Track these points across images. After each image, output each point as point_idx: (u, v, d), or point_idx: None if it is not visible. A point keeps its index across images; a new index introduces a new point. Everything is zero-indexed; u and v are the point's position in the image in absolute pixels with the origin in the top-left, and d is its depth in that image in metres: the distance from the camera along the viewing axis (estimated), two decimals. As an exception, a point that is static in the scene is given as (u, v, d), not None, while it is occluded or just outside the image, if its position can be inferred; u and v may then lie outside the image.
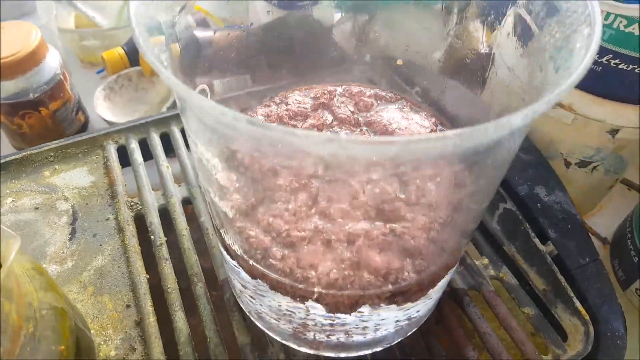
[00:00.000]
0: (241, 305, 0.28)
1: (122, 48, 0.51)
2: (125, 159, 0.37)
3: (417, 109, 0.27)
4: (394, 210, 0.21)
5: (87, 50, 0.56)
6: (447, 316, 0.29)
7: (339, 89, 0.28)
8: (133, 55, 0.52)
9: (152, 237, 0.32)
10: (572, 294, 0.29)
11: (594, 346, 0.28)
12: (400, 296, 0.21)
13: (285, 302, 0.23)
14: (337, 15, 0.33)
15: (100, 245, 0.32)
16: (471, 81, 0.26)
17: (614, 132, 0.33)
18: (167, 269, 0.31)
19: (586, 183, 0.38)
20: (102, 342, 0.28)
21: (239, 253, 0.21)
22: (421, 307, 0.25)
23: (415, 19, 0.33)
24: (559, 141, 0.36)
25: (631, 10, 0.26)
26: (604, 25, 0.28)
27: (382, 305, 0.21)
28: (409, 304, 0.23)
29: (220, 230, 0.22)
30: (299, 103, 0.26)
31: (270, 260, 0.21)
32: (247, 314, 0.28)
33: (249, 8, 0.31)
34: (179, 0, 0.24)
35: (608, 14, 0.28)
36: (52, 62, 0.43)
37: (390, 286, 0.20)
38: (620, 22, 0.27)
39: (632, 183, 0.46)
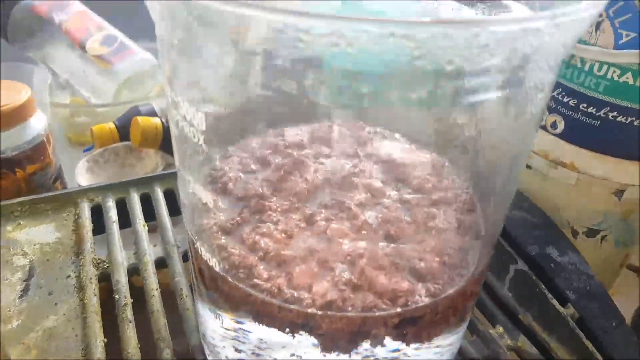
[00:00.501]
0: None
1: (114, 123, 0.52)
2: (99, 222, 0.34)
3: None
4: (398, 229, 0.19)
5: (77, 127, 0.57)
6: (460, 391, 0.25)
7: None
8: (124, 131, 0.52)
9: (116, 296, 0.29)
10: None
11: None
12: (411, 326, 0.18)
13: (303, 349, 0.19)
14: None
15: (55, 304, 0.28)
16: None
17: (619, 193, 0.32)
18: (130, 332, 0.27)
19: (597, 257, 0.36)
20: (38, 416, 0.23)
21: (217, 269, 0.18)
22: None
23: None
24: (564, 207, 0.35)
25: (623, 57, 0.27)
26: (597, 77, 0.29)
27: (387, 338, 0.18)
28: (417, 349, 0.19)
29: (197, 244, 0.19)
30: (295, 134, 0.25)
31: (254, 279, 0.18)
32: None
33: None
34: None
35: (601, 65, 0.29)
36: (37, 124, 0.42)
37: (399, 310, 0.17)
38: (614, 72, 0.28)
39: (635, 267, 0.44)
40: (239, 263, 0.18)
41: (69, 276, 0.30)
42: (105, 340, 0.26)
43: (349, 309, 0.17)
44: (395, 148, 0.26)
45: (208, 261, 0.18)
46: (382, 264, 0.18)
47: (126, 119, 0.52)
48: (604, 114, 0.30)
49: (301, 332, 0.18)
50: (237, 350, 0.21)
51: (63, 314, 0.28)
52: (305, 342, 0.18)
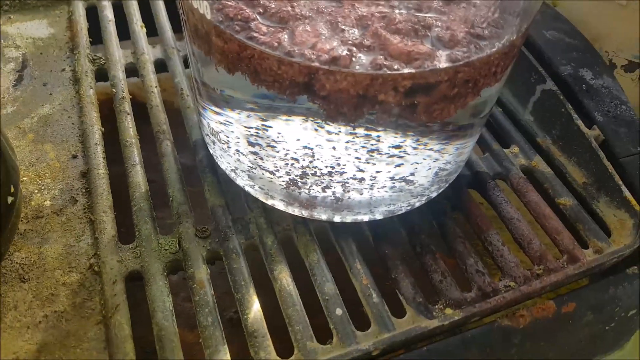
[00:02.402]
0: (219, 164, 0.24)
1: None
2: (95, 25, 0.32)
3: None
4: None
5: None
6: (464, 201, 0.25)
7: None
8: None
9: (113, 90, 0.27)
10: (620, 183, 0.24)
11: (645, 244, 0.23)
12: (424, 95, 0.16)
13: (292, 137, 0.18)
14: None
15: (50, 94, 0.27)
16: None
17: (675, 15, 0.29)
18: (128, 123, 0.26)
19: (633, 96, 0.34)
20: (36, 191, 0.23)
21: (209, 18, 0.16)
22: (417, 171, 0.20)
23: None
24: (605, 35, 0.32)
25: None
26: None
27: (395, 111, 0.16)
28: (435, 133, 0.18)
29: (186, 7, 0.17)
30: None
31: (252, 33, 0.16)
32: (231, 172, 0.23)
33: None
34: None
35: None
36: None
37: (413, 70, 0.15)
38: None
39: None
40: (235, 15, 0.16)
41: (63, 69, 0.29)
42: (103, 129, 0.26)
43: (357, 67, 0.15)
44: None
45: (199, 9, 0.16)
46: (400, 28, 0.16)
47: None
48: None
49: (299, 95, 0.16)
50: (251, 145, 0.21)
51: (58, 104, 0.27)
52: (308, 113, 0.17)
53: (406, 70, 0.15)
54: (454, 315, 0.20)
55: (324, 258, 0.21)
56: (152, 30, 0.32)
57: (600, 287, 0.22)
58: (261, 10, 0.17)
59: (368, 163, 0.20)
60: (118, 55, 0.29)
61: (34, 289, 0.20)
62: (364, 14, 0.17)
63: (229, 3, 0.16)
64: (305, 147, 0.19)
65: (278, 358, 0.18)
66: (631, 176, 0.25)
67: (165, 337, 0.19)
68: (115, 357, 0.19)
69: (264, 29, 0.16)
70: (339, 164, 0.20)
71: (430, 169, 0.21)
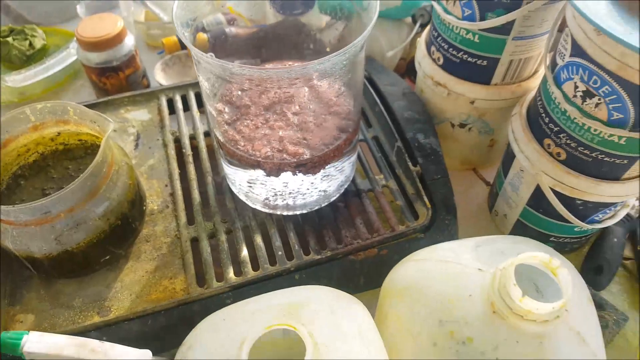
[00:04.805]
0: (232, 189, 0.48)
1: (177, 36, 0.71)
2: (171, 107, 0.56)
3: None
4: (305, 126, 0.40)
5: (151, 37, 0.76)
6: (349, 202, 0.47)
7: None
8: (183, 43, 0.71)
9: (183, 150, 0.52)
10: (424, 194, 0.46)
11: (432, 223, 0.45)
12: (302, 167, 0.39)
13: (260, 176, 0.42)
14: (325, 19, 0.51)
15: (153, 153, 0.52)
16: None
17: (473, 102, 0.50)
18: (191, 168, 0.50)
19: (468, 140, 0.55)
20: (150, 202, 0.48)
21: (222, 140, 0.40)
22: (330, 185, 0.43)
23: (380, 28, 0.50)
24: (444, 110, 0.53)
25: (466, 24, 0.44)
26: (455, 33, 0.46)
27: (296, 172, 0.40)
28: (313, 177, 0.41)
29: (214, 130, 0.41)
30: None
31: (237, 146, 0.40)
32: (236, 193, 0.47)
33: (265, 11, 0.49)
34: (208, -1, 0.42)
35: (455, 27, 0.45)
36: (129, 42, 0.63)
37: (295, 160, 0.38)
38: (462, 31, 0.45)
39: (483, 178, 0.60)
40: (231, 139, 0.40)
41: (158, 139, 0.53)
42: (179, 171, 0.50)
43: (275, 159, 0.39)
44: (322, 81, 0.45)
45: (219, 137, 0.40)
46: (294, 141, 0.39)
47: (183, 33, 0.71)
48: (460, 55, 0.47)
49: (256, 169, 0.40)
50: (248, 183, 0.44)
51: (157, 158, 0.51)
52: (259, 173, 0.40)
53: (293, 160, 0.38)
54: (329, 253, 0.43)
55: (277, 231, 0.45)
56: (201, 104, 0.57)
57: (401, 243, 0.44)
58: (242, 135, 0.40)
59: (314, 184, 0.42)
60: (185, 130, 0.54)
61: (152, 245, 0.45)
62: (282, 134, 0.40)
63: (229, 133, 0.40)
64: (284, 182, 0.42)
65: (252, 271, 0.42)
66: (430, 190, 0.47)
67: (207, 265, 0.43)
68: (187, 273, 0.43)
69: (242, 143, 0.40)
70: (299, 189, 0.43)
71: (335, 182, 0.44)
